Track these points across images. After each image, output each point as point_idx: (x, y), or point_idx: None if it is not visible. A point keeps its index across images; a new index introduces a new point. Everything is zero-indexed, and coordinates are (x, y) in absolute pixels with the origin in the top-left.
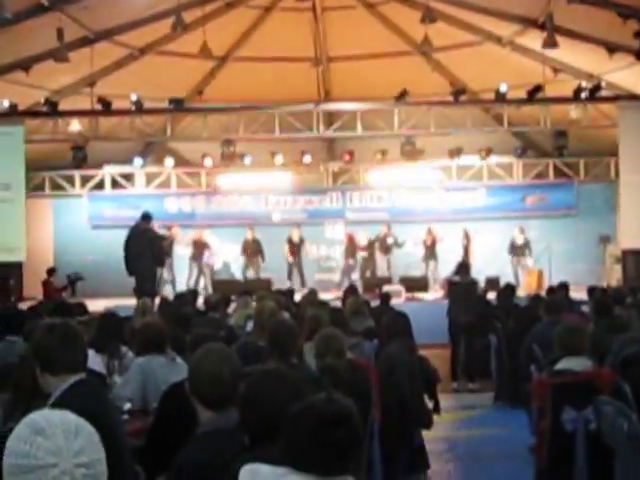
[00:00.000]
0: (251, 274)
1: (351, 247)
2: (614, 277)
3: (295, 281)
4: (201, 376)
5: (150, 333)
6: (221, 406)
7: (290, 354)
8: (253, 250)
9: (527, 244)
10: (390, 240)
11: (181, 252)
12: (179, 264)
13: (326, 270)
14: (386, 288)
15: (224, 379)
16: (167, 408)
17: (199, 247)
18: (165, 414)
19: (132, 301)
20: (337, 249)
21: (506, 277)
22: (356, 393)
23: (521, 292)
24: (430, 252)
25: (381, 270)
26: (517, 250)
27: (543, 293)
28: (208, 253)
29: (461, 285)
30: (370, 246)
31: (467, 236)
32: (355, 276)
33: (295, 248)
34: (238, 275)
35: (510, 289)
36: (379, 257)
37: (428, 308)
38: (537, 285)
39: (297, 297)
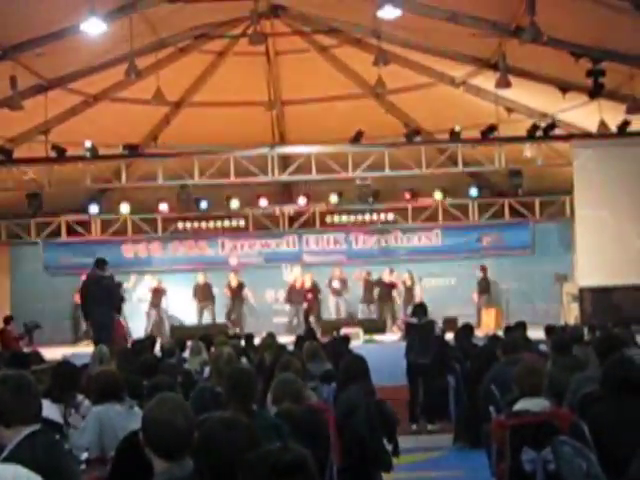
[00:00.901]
0: (207, 318)
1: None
2: (572, 315)
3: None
4: (154, 426)
5: (106, 381)
6: (176, 456)
7: (249, 401)
8: (204, 294)
9: (488, 283)
10: (335, 283)
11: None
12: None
13: (283, 314)
14: (344, 330)
15: (178, 428)
16: (124, 457)
17: (158, 294)
18: (122, 463)
19: (90, 348)
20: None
21: (464, 317)
22: (314, 437)
23: (479, 332)
24: (387, 294)
25: (329, 312)
26: (481, 289)
27: (501, 333)
28: (165, 300)
29: (418, 326)
30: (313, 289)
31: (411, 278)
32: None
33: (234, 292)
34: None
35: (468, 329)
36: (330, 299)
37: (386, 350)
38: (495, 324)
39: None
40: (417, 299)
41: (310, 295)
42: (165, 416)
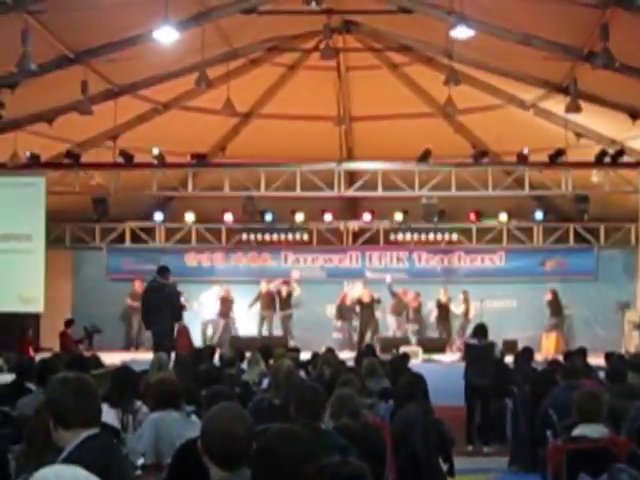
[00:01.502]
0: (265, 329)
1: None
2: (633, 343)
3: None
4: (214, 435)
5: (165, 388)
6: (234, 466)
7: (317, 419)
8: (267, 303)
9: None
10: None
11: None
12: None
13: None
14: (403, 349)
15: (237, 438)
16: (180, 464)
17: (226, 304)
18: (178, 470)
19: (149, 355)
20: (357, 308)
21: (524, 341)
22: (370, 453)
23: (539, 356)
24: (444, 313)
25: (391, 330)
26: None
27: (561, 358)
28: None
29: (478, 348)
30: (368, 304)
31: (466, 299)
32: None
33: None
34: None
35: (528, 353)
36: (390, 317)
37: (445, 370)
38: (555, 349)
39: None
40: (471, 319)
41: (358, 309)
42: (225, 425)
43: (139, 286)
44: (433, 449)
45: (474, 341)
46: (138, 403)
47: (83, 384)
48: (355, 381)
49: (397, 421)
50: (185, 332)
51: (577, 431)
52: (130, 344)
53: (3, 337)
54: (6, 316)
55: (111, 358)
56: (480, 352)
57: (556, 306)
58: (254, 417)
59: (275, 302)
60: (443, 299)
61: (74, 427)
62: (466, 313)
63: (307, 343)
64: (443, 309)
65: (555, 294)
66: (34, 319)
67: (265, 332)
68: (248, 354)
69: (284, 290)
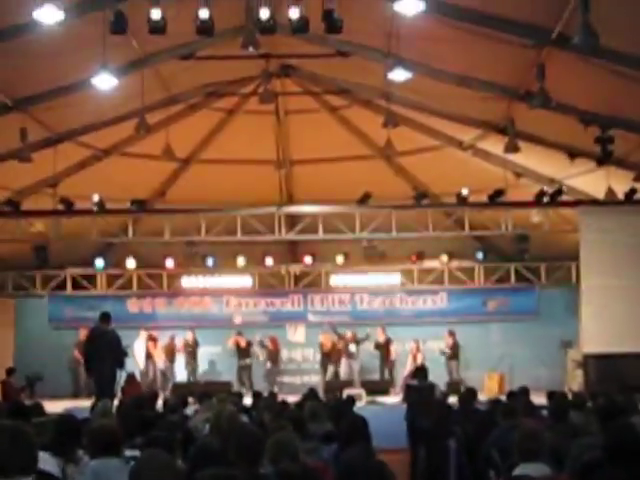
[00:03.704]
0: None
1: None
2: (576, 382)
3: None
4: None
5: (104, 435)
6: None
7: (256, 464)
8: (192, 352)
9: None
10: (353, 347)
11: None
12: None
13: (288, 373)
14: (347, 391)
15: None
16: None
17: (170, 352)
18: None
19: (89, 403)
20: (299, 352)
21: (468, 381)
22: None
23: (482, 396)
24: (385, 354)
25: (343, 373)
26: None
27: (503, 397)
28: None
29: (419, 389)
30: (333, 350)
31: (417, 346)
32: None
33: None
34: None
35: (471, 393)
36: (343, 361)
37: (388, 412)
38: (498, 389)
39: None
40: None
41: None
42: (150, 474)
43: (84, 335)
44: None
45: (414, 382)
46: (80, 452)
47: (18, 432)
48: (288, 426)
49: (340, 464)
50: (134, 380)
51: (518, 470)
52: (78, 393)
53: None
54: None
55: (54, 406)
56: (421, 393)
57: (456, 348)
58: (195, 462)
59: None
60: (381, 339)
61: (11, 475)
62: (414, 359)
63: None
64: (383, 350)
65: (454, 335)
66: None
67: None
68: (190, 399)
69: (242, 341)
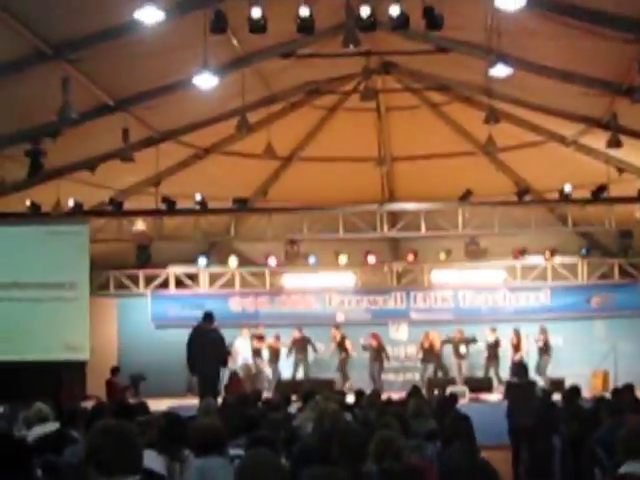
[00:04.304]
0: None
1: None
2: None
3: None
4: None
5: (208, 434)
6: None
7: (358, 463)
8: (300, 348)
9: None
10: (463, 348)
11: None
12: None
13: (390, 370)
14: (450, 389)
15: None
16: None
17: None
18: None
19: (194, 401)
20: (401, 349)
21: (571, 378)
22: None
23: (587, 394)
24: (493, 353)
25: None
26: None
27: (608, 395)
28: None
29: (519, 387)
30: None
31: (517, 336)
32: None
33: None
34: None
35: (575, 391)
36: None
37: (491, 409)
38: (602, 387)
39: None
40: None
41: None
42: (255, 473)
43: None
44: None
45: (514, 380)
46: (186, 451)
47: (123, 432)
48: (394, 424)
49: (443, 462)
50: (237, 379)
51: (624, 468)
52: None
53: (48, 385)
54: (50, 364)
55: (157, 405)
56: (521, 391)
57: (547, 346)
58: (298, 461)
59: (307, 347)
60: (491, 340)
61: (116, 475)
62: (516, 350)
63: (361, 384)
64: (492, 350)
65: (546, 332)
66: (80, 367)
67: (300, 375)
68: (294, 397)
69: (338, 334)
